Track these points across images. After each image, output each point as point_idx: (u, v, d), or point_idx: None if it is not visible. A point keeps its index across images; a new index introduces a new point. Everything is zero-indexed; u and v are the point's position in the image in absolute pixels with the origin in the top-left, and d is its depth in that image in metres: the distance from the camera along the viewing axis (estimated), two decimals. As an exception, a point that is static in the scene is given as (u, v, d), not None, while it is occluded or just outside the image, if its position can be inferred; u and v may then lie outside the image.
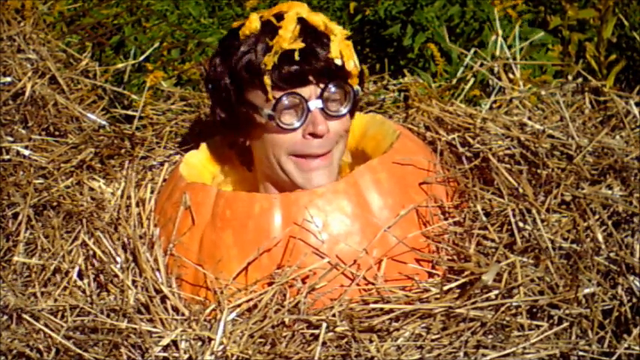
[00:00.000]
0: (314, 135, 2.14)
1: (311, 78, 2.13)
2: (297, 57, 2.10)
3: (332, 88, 2.14)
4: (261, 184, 2.26)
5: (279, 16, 2.15)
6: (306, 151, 2.15)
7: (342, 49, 2.14)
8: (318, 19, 2.16)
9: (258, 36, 2.15)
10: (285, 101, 2.13)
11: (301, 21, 2.15)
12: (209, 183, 2.31)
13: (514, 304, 1.98)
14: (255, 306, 2.02)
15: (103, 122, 2.61)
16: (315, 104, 2.13)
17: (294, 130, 2.14)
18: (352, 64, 2.15)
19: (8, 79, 2.67)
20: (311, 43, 2.13)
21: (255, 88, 2.15)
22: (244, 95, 2.17)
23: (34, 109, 2.60)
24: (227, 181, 2.37)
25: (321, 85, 2.13)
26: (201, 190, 2.16)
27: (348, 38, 2.18)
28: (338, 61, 2.13)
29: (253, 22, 2.17)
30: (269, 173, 2.21)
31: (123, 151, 2.52)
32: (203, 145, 2.37)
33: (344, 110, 2.16)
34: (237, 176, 2.37)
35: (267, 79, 2.12)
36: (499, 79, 2.53)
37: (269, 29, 2.15)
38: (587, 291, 1.99)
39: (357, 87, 2.17)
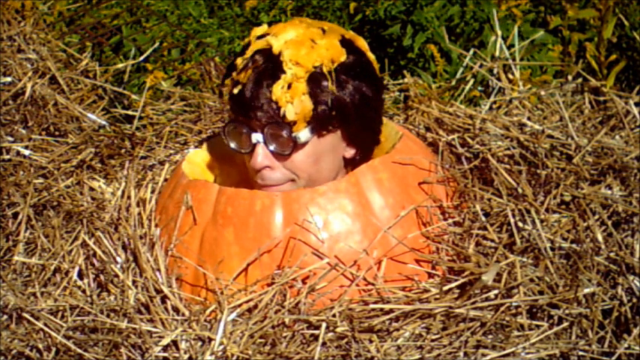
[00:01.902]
0: (250, 168, 2.15)
1: (251, 114, 2.10)
2: (235, 91, 2.10)
3: (270, 128, 2.10)
4: None
5: (259, 38, 2.14)
6: (253, 178, 2.17)
7: (280, 94, 2.07)
8: (286, 55, 2.08)
9: (238, 53, 2.16)
10: (231, 126, 2.15)
11: (264, 52, 2.11)
12: (211, 181, 2.31)
13: (514, 304, 1.98)
14: (256, 306, 2.02)
15: (103, 122, 2.62)
16: (257, 137, 2.11)
17: (239, 154, 2.17)
18: (284, 112, 2.07)
19: (8, 79, 2.67)
20: (256, 80, 2.09)
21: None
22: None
23: (34, 109, 2.60)
24: (229, 180, 2.37)
25: (263, 121, 2.10)
26: (203, 188, 2.17)
27: (347, 64, 2.11)
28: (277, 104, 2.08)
29: (251, 35, 2.17)
30: None
31: (123, 151, 2.53)
32: (206, 144, 2.37)
33: (281, 152, 2.12)
34: (238, 175, 2.38)
35: (226, 99, 2.15)
36: (499, 79, 2.53)
37: (243, 48, 2.15)
38: (587, 291, 1.99)
39: (299, 133, 2.09)
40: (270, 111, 2.09)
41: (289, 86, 2.07)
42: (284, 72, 2.08)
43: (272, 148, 2.12)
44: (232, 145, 2.16)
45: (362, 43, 2.19)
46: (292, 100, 2.07)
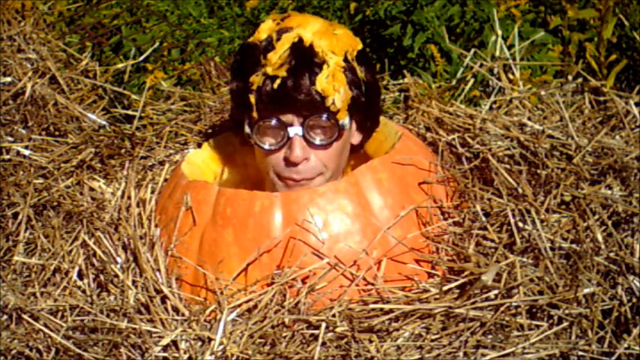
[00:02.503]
0: (288, 161, 2.13)
1: (291, 107, 2.10)
2: (275, 86, 2.08)
3: (315, 120, 2.11)
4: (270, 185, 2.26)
5: (282, 32, 2.12)
6: (284, 174, 2.15)
7: (327, 84, 2.09)
8: (318, 46, 2.11)
9: (256, 50, 2.13)
10: (264, 124, 2.12)
11: (297, 45, 2.11)
12: (211, 182, 2.31)
13: (514, 304, 1.98)
14: (255, 306, 2.02)
15: (103, 122, 2.61)
16: (295, 131, 2.11)
17: (270, 152, 2.14)
18: (331, 101, 2.09)
19: (8, 79, 2.67)
20: (297, 72, 2.09)
21: (245, 102, 2.14)
22: (240, 104, 2.17)
23: (34, 109, 2.60)
24: (229, 181, 2.37)
25: (304, 113, 2.10)
26: (203, 188, 2.17)
27: (361, 55, 2.15)
28: (322, 94, 2.09)
29: (262, 32, 2.15)
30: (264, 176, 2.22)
31: (123, 151, 2.53)
32: (205, 144, 2.37)
33: (326, 142, 2.13)
34: (239, 176, 2.38)
35: (252, 98, 2.12)
36: (499, 79, 2.53)
37: (266, 45, 2.13)
38: (586, 291, 1.99)
39: (343, 121, 2.12)
40: (314, 102, 2.09)
41: (333, 76, 2.10)
42: (322, 62, 2.10)
43: (316, 138, 2.12)
44: (264, 142, 2.14)
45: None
46: (339, 88, 2.10)
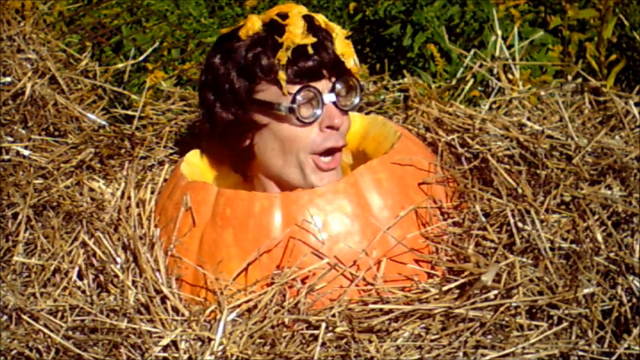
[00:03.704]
0: (331, 127, 2.17)
1: (324, 72, 2.17)
2: (310, 50, 2.14)
3: (341, 83, 2.18)
4: (260, 187, 2.25)
5: (283, 16, 2.18)
6: (326, 145, 2.17)
7: (345, 47, 2.18)
8: (319, 18, 2.20)
9: (264, 34, 2.18)
10: (302, 95, 2.15)
11: (306, 18, 2.18)
12: (210, 182, 2.31)
13: (513, 304, 1.98)
14: (255, 306, 2.02)
15: (103, 122, 2.61)
16: (328, 98, 2.16)
17: (312, 123, 2.16)
18: (352, 62, 2.19)
19: (8, 79, 2.67)
20: (321, 37, 2.17)
21: (268, 84, 2.16)
22: (255, 93, 2.17)
23: (34, 109, 2.60)
24: (228, 181, 2.37)
25: (332, 80, 2.18)
26: (202, 189, 2.17)
27: (347, 38, 2.21)
28: (342, 58, 2.18)
29: (255, 23, 2.19)
30: (277, 173, 2.20)
31: (123, 151, 2.53)
32: (205, 145, 2.37)
33: (354, 103, 2.20)
34: (238, 176, 2.38)
35: (282, 75, 2.14)
36: (498, 79, 2.53)
37: (275, 27, 2.17)
38: (586, 291, 1.99)
39: (361, 81, 2.22)
40: (340, 63, 2.18)
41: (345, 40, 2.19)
42: (328, 32, 2.19)
43: (345, 102, 2.19)
44: (303, 113, 2.15)
45: None
46: (353, 52, 2.20)
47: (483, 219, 2.14)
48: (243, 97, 2.19)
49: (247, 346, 1.95)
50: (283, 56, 2.14)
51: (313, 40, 2.15)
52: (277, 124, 2.17)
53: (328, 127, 2.16)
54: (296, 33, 2.15)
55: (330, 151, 2.18)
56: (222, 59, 2.20)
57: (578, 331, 1.98)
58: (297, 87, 2.14)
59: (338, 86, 2.18)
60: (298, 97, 2.14)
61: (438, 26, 3.56)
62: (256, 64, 2.16)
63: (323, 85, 2.17)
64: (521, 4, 3.66)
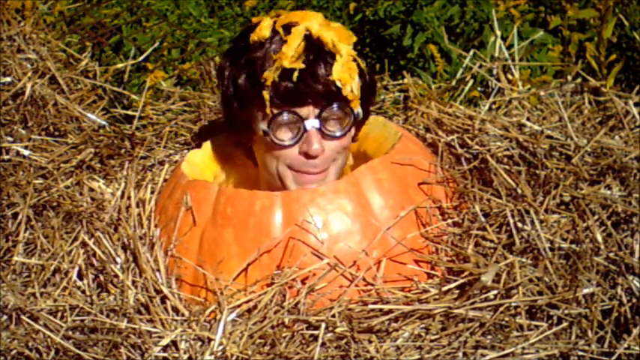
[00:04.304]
0: (307, 155, 2.13)
1: (309, 99, 2.11)
2: (294, 78, 2.08)
3: (331, 110, 2.12)
4: (264, 183, 2.26)
5: (289, 27, 2.13)
6: (301, 168, 2.15)
7: (343, 73, 2.11)
8: (327, 37, 2.12)
9: (264, 46, 2.13)
10: (281, 119, 2.12)
11: (308, 37, 2.12)
12: (211, 181, 2.31)
13: (513, 304, 1.98)
14: (255, 306, 2.03)
15: (103, 122, 2.62)
16: (311, 124, 2.12)
17: (288, 147, 2.13)
18: (349, 89, 2.11)
19: (8, 79, 2.67)
20: (313, 62, 2.10)
21: (255, 99, 2.13)
22: (246, 104, 2.16)
23: (34, 109, 2.60)
24: (229, 180, 2.37)
25: (320, 106, 2.11)
26: (203, 188, 2.17)
27: (356, 47, 2.15)
28: (339, 84, 2.11)
29: (263, 30, 2.14)
30: (267, 178, 2.21)
31: (123, 151, 2.53)
32: (205, 144, 2.37)
33: (341, 132, 2.14)
34: (238, 175, 2.38)
35: (265, 94, 2.11)
36: (498, 80, 2.53)
37: (276, 40, 2.13)
38: (586, 291, 1.99)
39: (357, 110, 2.15)
40: (331, 91, 2.11)
41: (346, 65, 2.12)
42: (333, 52, 2.11)
43: (332, 129, 2.13)
44: (284, 138, 2.13)
45: None
46: (354, 76, 2.12)
47: (483, 219, 2.14)
48: (235, 104, 2.19)
49: (247, 347, 1.95)
50: (270, 77, 2.10)
51: (301, 66, 2.08)
52: (261, 137, 2.16)
53: (305, 154, 2.13)
54: (287, 55, 2.09)
55: (306, 172, 2.16)
56: (229, 60, 2.19)
57: (577, 331, 1.98)
58: (279, 110, 2.11)
59: (325, 114, 2.12)
60: (275, 121, 2.12)
61: (438, 26, 3.57)
62: (246, 78, 2.15)
63: (308, 110, 2.12)
64: (521, 4, 3.66)
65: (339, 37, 2.12)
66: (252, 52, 2.15)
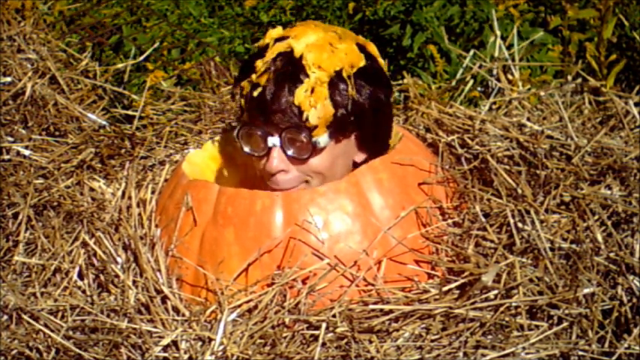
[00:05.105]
0: (264, 170, 2.13)
1: (270, 117, 2.09)
2: (255, 94, 2.08)
3: (290, 132, 2.09)
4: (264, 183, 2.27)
5: (278, 40, 2.12)
6: (268, 182, 2.15)
7: (304, 99, 2.06)
8: (308, 58, 2.08)
9: (256, 54, 2.14)
10: (246, 129, 2.13)
11: (289, 55, 2.09)
12: (211, 181, 2.32)
13: (513, 304, 1.98)
14: (256, 307, 2.03)
15: (103, 122, 2.62)
16: (273, 141, 2.10)
17: (256, 158, 2.14)
18: (306, 116, 2.07)
19: (8, 79, 2.67)
20: (278, 82, 2.07)
21: (240, 104, 2.16)
22: (239, 106, 2.19)
23: (34, 109, 2.60)
24: (229, 180, 2.37)
25: (284, 125, 2.09)
26: (203, 188, 2.17)
27: (364, 73, 2.11)
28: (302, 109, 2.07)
29: (267, 38, 2.15)
30: None
31: (123, 151, 2.53)
32: (206, 144, 2.38)
33: (299, 156, 2.11)
34: (239, 175, 2.38)
35: (242, 102, 2.13)
36: (498, 80, 2.53)
37: (262, 50, 2.13)
38: (586, 291, 1.99)
39: (319, 137, 2.09)
40: (291, 115, 2.07)
41: (312, 90, 2.07)
42: (306, 76, 2.07)
43: (290, 152, 2.11)
44: (246, 148, 2.14)
45: (373, 49, 2.19)
46: (316, 104, 2.07)
47: (483, 219, 2.14)
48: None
49: (248, 347, 1.95)
50: (246, 86, 2.11)
51: (264, 83, 2.07)
52: None
53: (267, 170, 2.13)
54: (258, 69, 2.09)
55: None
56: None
57: (578, 331, 1.98)
58: (249, 120, 2.12)
59: (285, 134, 2.09)
60: (242, 131, 2.13)
61: (438, 26, 3.57)
62: (236, 81, 2.16)
63: (272, 127, 2.10)
64: (521, 3, 3.67)
65: (321, 60, 2.08)
66: (248, 59, 2.16)
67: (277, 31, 2.15)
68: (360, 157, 2.19)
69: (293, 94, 2.06)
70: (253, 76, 2.10)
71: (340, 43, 2.12)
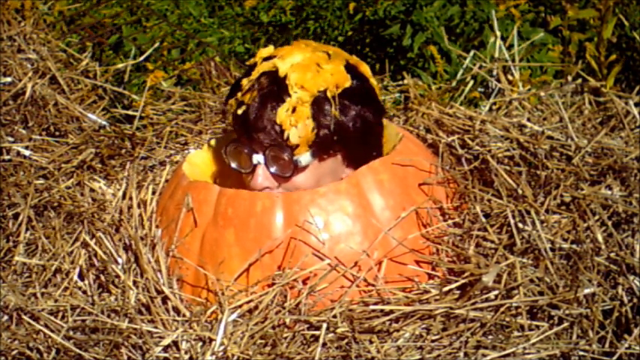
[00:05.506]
0: (249, 187, 2.15)
1: (253, 134, 2.12)
2: (239, 112, 2.12)
3: (273, 150, 2.12)
4: None
5: (266, 59, 2.15)
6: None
7: (285, 118, 2.09)
8: (291, 78, 2.11)
9: (244, 73, 2.17)
10: (235, 148, 2.17)
11: (269, 74, 2.12)
12: (212, 182, 2.32)
13: (514, 304, 1.98)
14: (256, 307, 2.03)
15: (104, 122, 2.62)
16: (257, 158, 2.14)
17: (243, 174, 2.18)
18: (287, 135, 2.09)
19: (8, 79, 2.67)
20: (261, 101, 2.11)
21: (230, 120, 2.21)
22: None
23: (35, 109, 2.60)
24: (230, 181, 2.37)
25: (267, 142, 2.12)
26: (204, 189, 2.17)
27: (349, 92, 2.13)
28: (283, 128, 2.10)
29: (257, 57, 2.18)
30: None
31: (123, 151, 2.53)
32: (206, 145, 2.38)
33: (281, 174, 2.14)
34: (239, 176, 2.38)
35: (230, 118, 2.17)
36: (498, 80, 2.53)
37: (249, 69, 2.16)
38: (587, 291, 1.99)
39: (300, 156, 2.11)
40: (273, 133, 2.11)
41: (294, 110, 2.10)
42: (289, 95, 2.10)
43: (273, 170, 2.14)
44: (233, 164, 2.18)
45: (365, 69, 2.22)
46: (296, 123, 2.10)
47: (484, 220, 2.14)
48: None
49: (248, 347, 1.95)
50: (232, 104, 2.15)
51: (248, 101, 2.11)
52: None
53: (252, 187, 2.15)
54: (243, 88, 2.13)
55: None
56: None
57: (579, 331, 1.98)
58: (235, 136, 2.16)
59: (268, 152, 2.12)
60: (228, 147, 2.17)
61: (438, 26, 3.57)
62: (226, 98, 2.20)
63: (258, 144, 2.13)
64: (521, 4, 3.67)
65: (303, 80, 2.10)
66: (239, 77, 2.20)
67: (267, 50, 2.19)
68: (348, 173, 2.20)
69: (275, 112, 2.10)
70: (239, 94, 2.14)
71: (328, 63, 2.14)
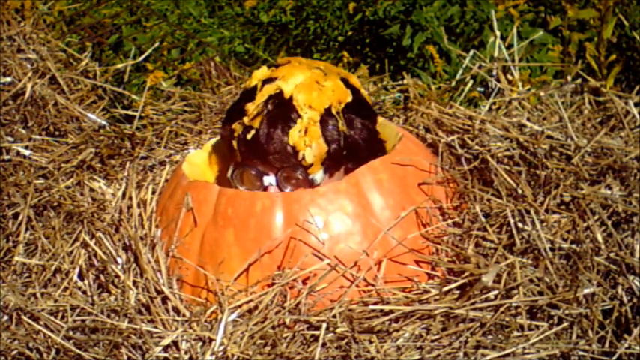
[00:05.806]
0: None
1: (265, 157, 2.13)
2: (249, 137, 2.12)
3: (287, 171, 2.14)
4: None
5: (267, 82, 2.15)
6: None
7: (298, 139, 2.11)
8: (299, 99, 2.12)
9: (244, 97, 2.17)
10: (243, 172, 2.17)
11: (279, 96, 2.13)
12: (211, 182, 2.32)
13: (513, 304, 1.99)
14: (256, 307, 2.03)
15: (103, 122, 2.62)
16: (269, 181, 2.15)
17: None
18: (302, 156, 2.11)
19: (8, 79, 2.67)
20: (273, 123, 2.12)
21: (230, 146, 2.18)
22: (228, 146, 2.21)
23: (34, 109, 2.60)
24: (229, 181, 2.37)
25: (278, 164, 2.13)
26: (204, 189, 2.17)
27: (352, 107, 2.15)
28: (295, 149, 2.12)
29: (253, 80, 2.18)
30: None
31: (123, 151, 2.53)
32: (206, 145, 2.38)
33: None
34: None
35: (234, 144, 2.16)
36: (498, 80, 2.53)
37: (251, 93, 2.16)
38: (587, 291, 1.99)
39: (315, 175, 2.14)
40: (286, 155, 2.12)
41: (305, 131, 2.11)
42: (298, 116, 2.11)
43: (287, 190, 2.14)
44: (241, 188, 2.18)
45: (355, 81, 2.24)
46: (310, 143, 2.11)
47: (483, 219, 2.14)
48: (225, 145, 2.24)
49: (248, 347, 1.95)
50: (237, 129, 2.15)
51: (257, 126, 2.11)
52: None
53: None
54: (250, 112, 2.13)
55: None
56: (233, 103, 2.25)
57: (578, 330, 1.98)
58: (242, 161, 2.16)
59: (281, 173, 2.14)
60: (235, 172, 2.18)
61: (438, 26, 3.57)
62: (225, 123, 2.20)
63: (268, 167, 2.14)
64: (520, 4, 3.67)
65: (310, 100, 2.12)
66: (237, 101, 2.20)
67: (263, 72, 2.19)
68: None
69: (287, 135, 2.11)
70: (245, 119, 2.14)
71: (326, 80, 2.16)
